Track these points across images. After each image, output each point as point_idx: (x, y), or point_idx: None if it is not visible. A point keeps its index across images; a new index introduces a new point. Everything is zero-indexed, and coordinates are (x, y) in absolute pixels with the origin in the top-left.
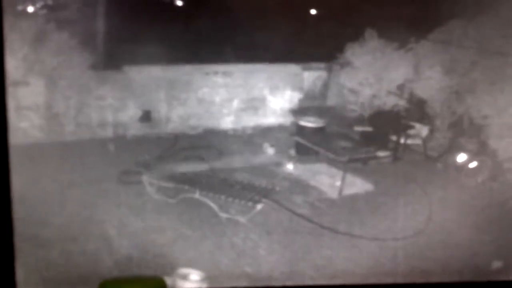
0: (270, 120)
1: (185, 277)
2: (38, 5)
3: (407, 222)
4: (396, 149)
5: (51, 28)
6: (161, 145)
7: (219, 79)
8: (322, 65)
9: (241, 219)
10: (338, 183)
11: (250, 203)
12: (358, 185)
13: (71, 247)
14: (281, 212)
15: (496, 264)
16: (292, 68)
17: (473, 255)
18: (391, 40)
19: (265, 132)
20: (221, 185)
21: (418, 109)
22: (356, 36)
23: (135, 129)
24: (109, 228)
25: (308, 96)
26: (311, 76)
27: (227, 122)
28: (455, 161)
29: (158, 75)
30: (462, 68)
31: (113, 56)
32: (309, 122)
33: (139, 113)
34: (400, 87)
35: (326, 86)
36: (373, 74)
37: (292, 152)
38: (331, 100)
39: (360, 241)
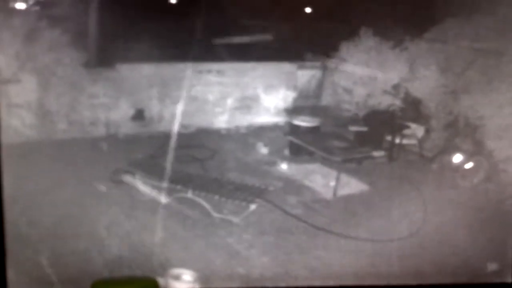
0: (264, 119)
1: (177, 278)
2: (30, 1)
3: (402, 223)
4: (391, 149)
5: (43, 25)
6: (153, 144)
7: (213, 78)
8: (316, 63)
9: (234, 219)
10: (332, 183)
11: (243, 203)
12: (352, 186)
13: (61, 247)
14: (274, 213)
15: (491, 266)
16: (286, 67)
17: (469, 256)
18: (387, 39)
19: (259, 132)
20: (214, 184)
21: (414, 109)
22: (351, 34)
23: (128, 128)
24: (100, 228)
25: (303, 95)
26: (306, 74)
27: (220, 121)
28: (450, 162)
29: (151, 73)
30: (457, 67)
31: (105, 53)
32: (303, 122)
33: (131, 111)
34: (396, 87)
35: (320, 85)
36: (368, 73)
37: (286, 151)
38: (326, 99)
39: (355, 242)
